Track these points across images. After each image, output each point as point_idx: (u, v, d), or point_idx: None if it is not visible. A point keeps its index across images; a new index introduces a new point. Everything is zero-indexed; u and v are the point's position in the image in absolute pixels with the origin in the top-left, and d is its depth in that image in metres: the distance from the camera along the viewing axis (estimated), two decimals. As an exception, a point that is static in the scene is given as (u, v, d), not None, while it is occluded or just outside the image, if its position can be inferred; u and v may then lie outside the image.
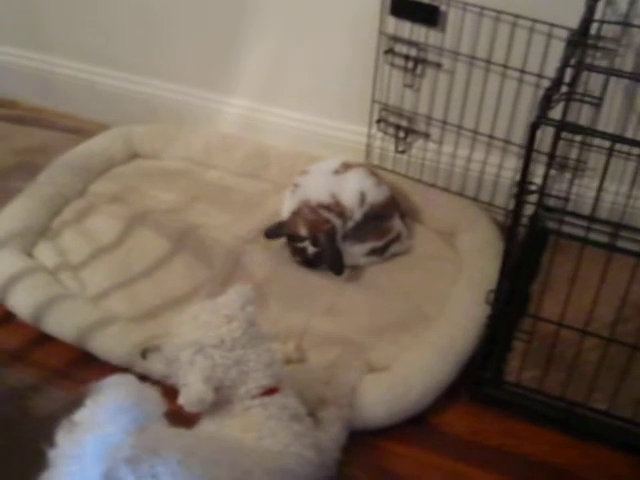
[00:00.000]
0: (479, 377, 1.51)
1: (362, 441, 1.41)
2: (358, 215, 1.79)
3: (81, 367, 1.55)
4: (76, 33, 2.28)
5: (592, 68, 1.55)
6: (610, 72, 1.57)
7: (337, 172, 1.82)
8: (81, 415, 0.89)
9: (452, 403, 1.51)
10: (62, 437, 0.87)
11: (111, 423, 0.88)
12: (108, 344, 1.53)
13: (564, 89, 1.34)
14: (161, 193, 2.01)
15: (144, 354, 1.29)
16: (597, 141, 1.71)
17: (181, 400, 1.20)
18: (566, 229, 1.82)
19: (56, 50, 2.34)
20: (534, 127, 1.12)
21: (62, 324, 1.58)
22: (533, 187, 1.25)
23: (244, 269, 1.76)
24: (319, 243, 1.73)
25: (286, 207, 1.81)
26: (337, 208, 1.77)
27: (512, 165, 1.90)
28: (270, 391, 1.24)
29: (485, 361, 1.52)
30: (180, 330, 1.23)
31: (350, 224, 1.78)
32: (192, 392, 1.18)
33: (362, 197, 1.78)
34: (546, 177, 1.36)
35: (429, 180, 1.99)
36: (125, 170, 2.12)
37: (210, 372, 1.19)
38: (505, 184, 1.92)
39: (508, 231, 1.35)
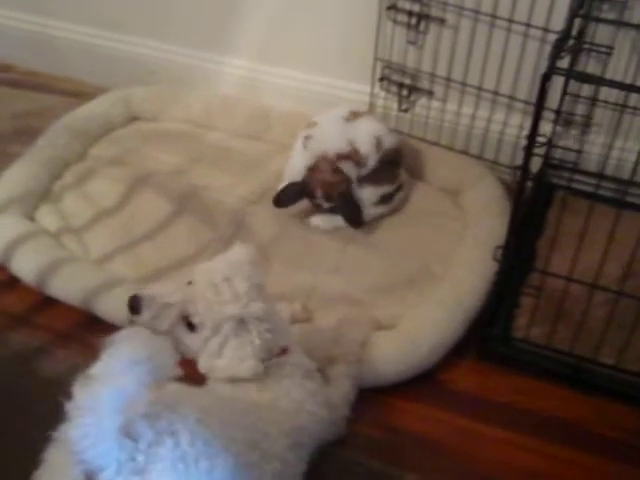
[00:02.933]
0: (487, 334, 1.50)
1: (371, 398, 1.41)
2: (373, 160, 1.77)
3: (87, 329, 1.54)
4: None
5: (601, 19, 1.52)
6: (619, 23, 1.54)
7: (347, 119, 1.79)
8: (96, 368, 0.89)
9: (460, 360, 1.50)
10: (78, 390, 0.86)
11: (126, 375, 0.88)
12: (113, 306, 1.52)
13: (572, 42, 1.32)
14: (162, 155, 1.99)
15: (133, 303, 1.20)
16: (603, 96, 1.70)
17: (203, 368, 1.20)
18: (574, 185, 1.82)
19: (52, 12, 2.30)
20: (545, 78, 1.11)
21: (67, 287, 1.57)
22: (542, 139, 1.23)
23: (248, 230, 1.75)
24: (333, 200, 1.72)
25: (298, 161, 1.78)
26: (356, 156, 1.74)
27: (517, 122, 1.89)
28: (283, 351, 1.23)
29: (493, 318, 1.51)
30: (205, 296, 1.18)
31: (365, 170, 1.76)
32: (245, 368, 1.17)
33: (378, 142, 1.76)
34: (553, 134, 1.35)
35: (432, 138, 1.96)
36: (125, 133, 2.09)
37: (260, 346, 1.18)
38: (509, 142, 1.90)
39: (517, 185, 1.33)
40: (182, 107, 2.13)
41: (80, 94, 2.25)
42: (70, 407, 0.86)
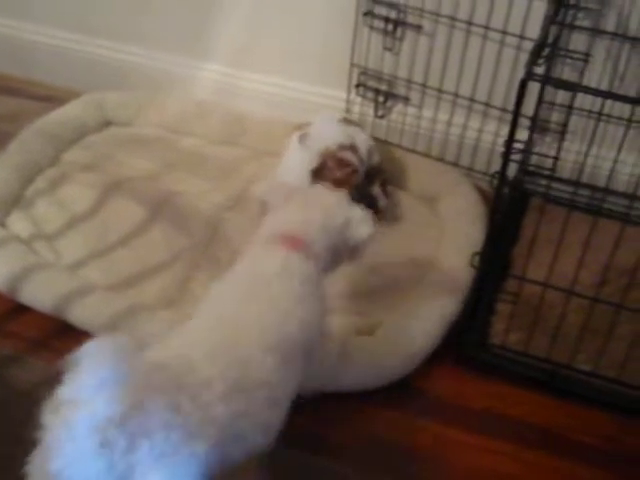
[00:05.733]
0: (464, 340, 1.50)
1: (347, 405, 1.40)
2: (363, 169, 1.74)
3: (60, 337, 1.51)
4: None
5: (576, 27, 1.53)
6: (595, 30, 1.55)
7: (341, 122, 1.77)
8: (65, 392, 0.84)
9: (438, 367, 1.50)
10: (50, 419, 0.84)
11: (98, 397, 0.84)
12: (87, 313, 1.49)
13: (548, 49, 1.32)
14: (136, 161, 1.97)
15: None
16: (578, 104, 1.71)
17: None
18: (550, 192, 1.83)
19: (25, 15, 2.27)
20: (523, 83, 1.11)
21: (39, 294, 1.54)
22: (519, 145, 1.23)
23: (223, 236, 1.74)
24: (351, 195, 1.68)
25: (296, 161, 1.74)
26: (357, 151, 1.71)
27: (492, 129, 1.89)
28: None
29: (470, 324, 1.52)
30: None
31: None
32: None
33: (369, 153, 1.75)
34: (530, 141, 1.35)
35: (409, 145, 1.97)
36: (99, 138, 2.07)
37: None
38: (485, 148, 1.91)
39: (494, 192, 1.33)
40: (157, 112, 2.11)
41: (53, 98, 2.22)
42: (44, 437, 0.84)
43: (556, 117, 1.80)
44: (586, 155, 1.64)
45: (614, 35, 1.60)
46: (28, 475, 0.91)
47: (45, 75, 2.31)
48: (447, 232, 1.77)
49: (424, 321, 1.53)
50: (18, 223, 1.74)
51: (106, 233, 1.74)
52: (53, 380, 0.86)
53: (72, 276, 1.60)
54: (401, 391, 1.45)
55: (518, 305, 1.48)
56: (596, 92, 1.26)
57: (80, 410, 0.84)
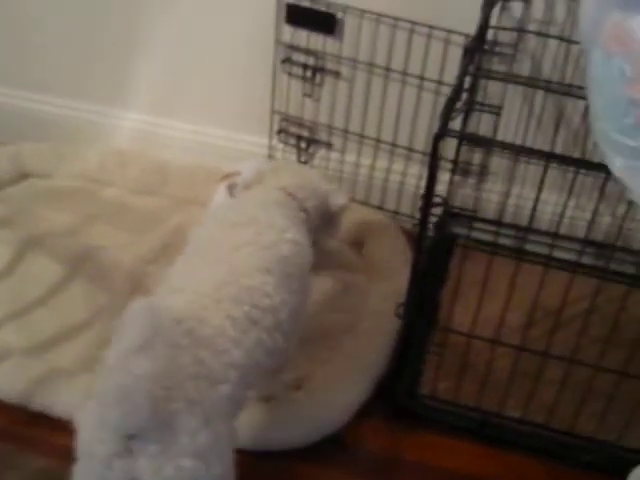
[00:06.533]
0: (393, 391, 1.48)
1: (277, 464, 1.37)
2: None
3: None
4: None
5: (490, 75, 1.54)
6: (507, 79, 1.57)
7: None
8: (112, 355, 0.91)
9: (368, 419, 1.47)
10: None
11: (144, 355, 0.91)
12: (3, 380, 1.43)
13: (465, 96, 1.33)
14: (55, 214, 1.91)
15: None
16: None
17: None
18: (474, 234, 1.83)
19: None
20: (437, 139, 1.10)
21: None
22: (438, 199, 1.23)
23: (145, 290, 1.68)
24: None
25: None
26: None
27: (416, 172, 1.89)
28: None
29: (399, 375, 1.50)
30: None
31: None
32: None
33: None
34: (451, 184, 1.35)
35: (333, 189, 1.95)
36: (15, 192, 2.00)
37: None
38: (410, 191, 1.91)
39: (416, 242, 1.33)
40: (76, 162, 2.05)
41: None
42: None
43: (478, 158, 1.81)
44: (507, 195, 1.65)
45: (529, 79, 1.63)
46: None
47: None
48: (374, 279, 1.75)
49: (352, 375, 1.50)
50: None
51: (23, 292, 1.67)
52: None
53: (-15, 341, 1.53)
54: (333, 446, 1.42)
55: (446, 353, 1.47)
56: (511, 147, 1.28)
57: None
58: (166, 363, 0.94)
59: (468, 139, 1.23)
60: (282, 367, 1.36)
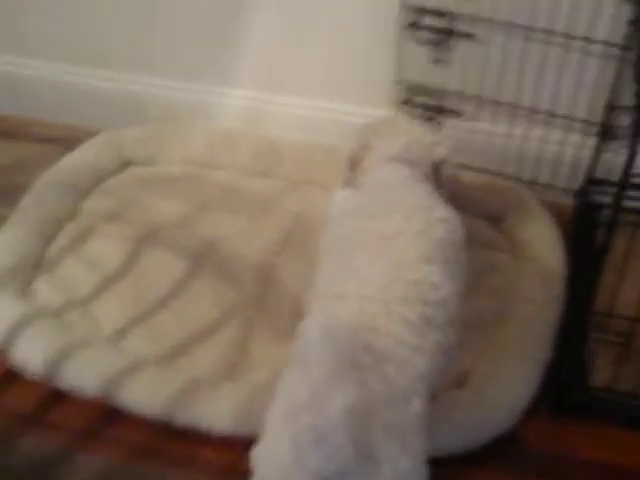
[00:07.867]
0: (562, 385, 1.36)
1: (449, 471, 1.23)
2: None
3: (110, 425, 1.33)
4: (48, 28, 2.00)
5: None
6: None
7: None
8: None
9: (535, 416, 1.34)
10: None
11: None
12: (140, 395, 1.32)
13: None
14: (164, 204, 1.78)
15: None
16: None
17: None
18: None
19: (22, 48, 2.06)
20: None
21: (82, 376, 1.35)
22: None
23: (279, 285, 1.56)
24: None
25: None
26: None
27: (556, 139, 1.72)
28: None
29: (567, 366, 1.37)
30: None
31: None
32: None
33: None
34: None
35: (463, 161, 1.78)
36: (119, 181, 1.86)
37: None
38: (549, 159, 1.75)
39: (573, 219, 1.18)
40: (181, 146, 1.91)
41: (56, 139, 2.00)
42: None
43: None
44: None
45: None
46: None
47: (46, 114, 2.09)
48: (524, 258, 1.60)
49: (519, 367, 1.37)
50: (45, 290, 1.55)
51: (144, 293, 1.56)
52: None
53: (117, 351, 1.42)
54: (498, 447, 1.29)
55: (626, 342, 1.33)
56: None
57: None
58: (358, 391, 0.87)
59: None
60: (452, 365, 1.22)
